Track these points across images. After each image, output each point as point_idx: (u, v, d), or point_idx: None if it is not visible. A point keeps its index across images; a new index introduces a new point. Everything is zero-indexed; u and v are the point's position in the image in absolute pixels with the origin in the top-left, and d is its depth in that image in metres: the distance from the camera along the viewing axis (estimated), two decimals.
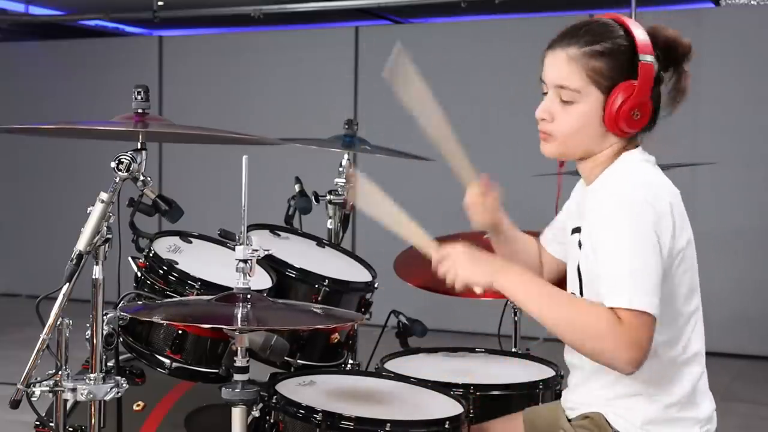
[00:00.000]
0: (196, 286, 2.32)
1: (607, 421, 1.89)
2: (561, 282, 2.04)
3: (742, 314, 5.86)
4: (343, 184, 3.17)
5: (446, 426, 2.05)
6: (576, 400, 1.98)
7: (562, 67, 1.85)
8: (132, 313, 2.02)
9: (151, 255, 2.39)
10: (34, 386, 1.99)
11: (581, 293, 1.90)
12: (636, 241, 1.74)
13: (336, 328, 2.51)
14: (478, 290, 1.85)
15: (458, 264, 1.85)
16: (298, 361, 2.47)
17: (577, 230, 1.96)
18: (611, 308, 1.71)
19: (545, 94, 1.91)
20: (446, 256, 1.87)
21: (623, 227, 1.75)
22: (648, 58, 1.82)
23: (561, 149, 1.92)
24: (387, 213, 1.95)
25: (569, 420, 1.99)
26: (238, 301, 1.90)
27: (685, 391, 1.86)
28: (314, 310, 2.18)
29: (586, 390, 1.96)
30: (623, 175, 1.86)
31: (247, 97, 7.31)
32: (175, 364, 2.29)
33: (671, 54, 1.88)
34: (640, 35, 1.84)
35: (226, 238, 2.52)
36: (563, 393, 2.09)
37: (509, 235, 2.19)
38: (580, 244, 1.92)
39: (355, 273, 2.76)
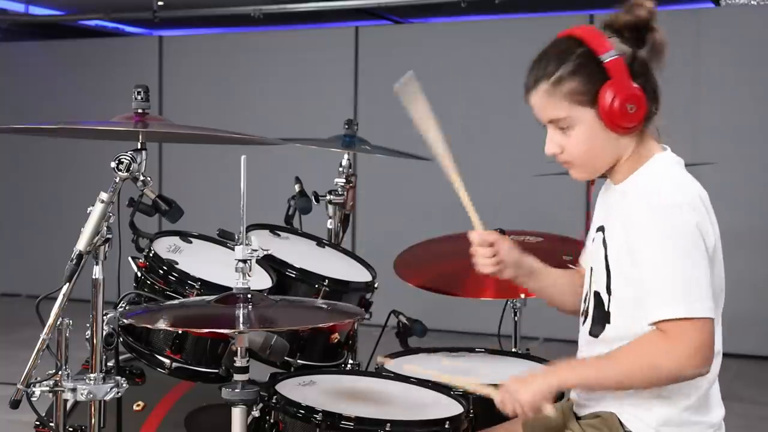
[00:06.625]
0: (196, 286, 2.32)
1: (620, 421, 1.88)
2: None
3: (742, 314, 5.85)
4: (343, 184, 3.17)
5: (446, 426, 2.05)
6: (588, 395, 1.96)
7: (544, 105, 1.88)
8: (134, 317, 2.02)
9: (151, 255, 2.39)
10: (34, 386, 1.99)
11: (608, 290, 1.89)
12: (683, 246, 1.74)
13: (336, 325, 2.51)
14: (549, 410, 1.83)
15: (517, 395, 1.85)
16: (298, 361, 2.47)
17: (600, 229, 1.95)
18: (663, 320, 1.72)
19: (545, 126, 1.93)
20: (505, 396, 1.88)
21: (668, 234, 1.75)
22: (610, 54, 1.82)
23: (587, 171, 1.93)
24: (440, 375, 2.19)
25: (578, 418, 1.97)
26: (238, 302, 1.90)
27: (701, 393, 1.86)
28: (318, 304, 2.18)
29: None
30: (655, 179, 1.85)
31: (247, 97, 7.31)
32: (175, 364, 2.30)
33: (638, 28, 1.86)
34: (592, 39, 1.84)
35: (225, 238, 2.52)
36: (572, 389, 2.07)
37: (538, 275, 2.13)
38: (604, 242, 1.91)
39: (355, 273, 2.76)
